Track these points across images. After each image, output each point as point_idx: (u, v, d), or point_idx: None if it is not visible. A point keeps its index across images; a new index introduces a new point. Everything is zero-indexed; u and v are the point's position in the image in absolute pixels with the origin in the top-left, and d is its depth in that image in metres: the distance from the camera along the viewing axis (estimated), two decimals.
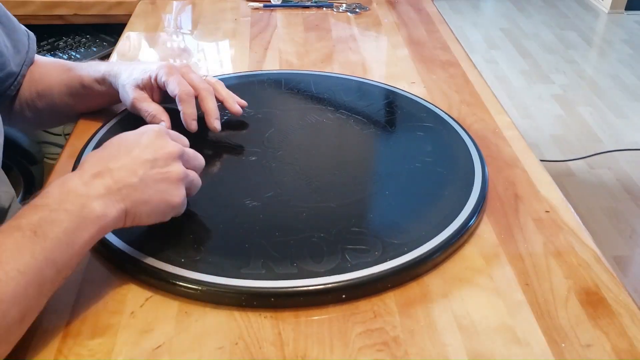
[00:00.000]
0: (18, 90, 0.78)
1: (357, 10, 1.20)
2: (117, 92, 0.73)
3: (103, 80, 0.74)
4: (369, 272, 0.52)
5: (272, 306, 0.51)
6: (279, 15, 1.17)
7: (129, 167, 0.50)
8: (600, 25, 3.42)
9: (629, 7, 3.51)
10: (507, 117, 0.81)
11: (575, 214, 0.63)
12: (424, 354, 0.47)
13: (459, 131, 0.74)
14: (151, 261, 0.53)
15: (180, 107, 0.68)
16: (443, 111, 0.79)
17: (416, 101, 0.82)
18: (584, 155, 2.19)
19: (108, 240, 0.55)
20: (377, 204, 0.62)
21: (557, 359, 0.47)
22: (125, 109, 0.76)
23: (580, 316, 0.51)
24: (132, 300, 0.51)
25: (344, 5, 1.21)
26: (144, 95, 0.71)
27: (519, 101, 2.57)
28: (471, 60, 0.98)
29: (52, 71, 0.78)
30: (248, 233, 0.57)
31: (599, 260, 0.57)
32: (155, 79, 0.70)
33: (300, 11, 1.19)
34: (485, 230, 0.60)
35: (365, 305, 0.51)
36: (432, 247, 0.55)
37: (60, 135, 1.49)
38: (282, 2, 1.21)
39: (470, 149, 0.70)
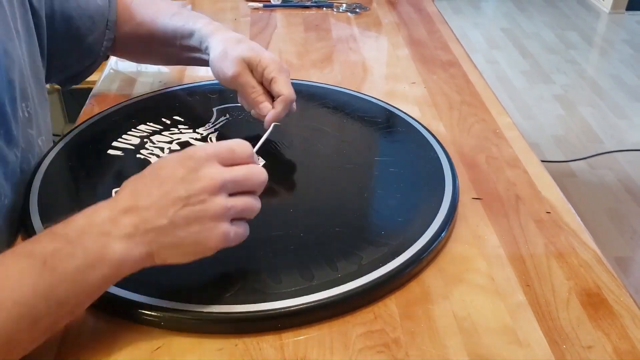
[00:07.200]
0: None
1: (357, 10, 1.19)
2: (201, 52, 0.74)
3: (190, 37, 0.74)
4: (375, 277, 0.51)
5: (277, 328, 0.49)
6: (279, 15, 1.17)
7: (158, 205, 0.45)
8: (601, 25, 3.42)
9: (630, 7, 3.50)
10: (508, 118, 0.81)
11: (576, 214, 0.63)
12: (424, 355, 0.47)
13: (428, 138, 0.72)
14: (151, 300, 0.49)
15: (277, 107, 0.67)
16: (413, 118, 0.77)
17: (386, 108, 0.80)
18: (585, 156, 2.19)
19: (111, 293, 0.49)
20: (358, 210, 0.62)
21: None
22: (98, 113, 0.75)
23: (581, 317, 0.50)
24: None
25: (344, 5, 1.21)
26: (247, 71, 0.68)
27: (520, 101, 2.56)
28: (472, 61, 0.98)
29: (147, 18, 0.79)
30: (231, 252, 0.50)
31: (600, 261, 0.57)
32: (264, 67, 0.68)
33: (300, 11, 1.19)
34: (486, 231, 0.60)
35: (365, 307, 0.51)
36: (424, 244, 0.55)
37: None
38: (282, 2, 1.21)
39: (438, 153, 0.69)
